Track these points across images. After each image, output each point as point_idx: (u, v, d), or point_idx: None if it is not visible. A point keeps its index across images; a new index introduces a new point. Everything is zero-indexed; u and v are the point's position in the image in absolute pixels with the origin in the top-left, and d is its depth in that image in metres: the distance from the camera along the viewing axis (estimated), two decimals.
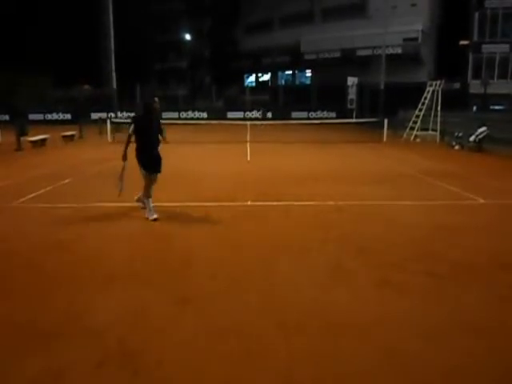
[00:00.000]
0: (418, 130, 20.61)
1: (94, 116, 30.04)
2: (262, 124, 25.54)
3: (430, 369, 2.88)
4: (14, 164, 12.75)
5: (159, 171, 6.52)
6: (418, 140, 20.13)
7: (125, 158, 6.42)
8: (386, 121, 20.56)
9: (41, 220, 6.56)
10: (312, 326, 3.43)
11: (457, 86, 34.30)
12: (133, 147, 6.34)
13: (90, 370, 2.85)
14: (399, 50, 37.44)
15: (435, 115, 19.91)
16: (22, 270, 4.60)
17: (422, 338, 3.26)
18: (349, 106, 33.63)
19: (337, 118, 30.14)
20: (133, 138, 6.37)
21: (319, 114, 34.96)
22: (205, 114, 35.82)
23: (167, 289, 4.12)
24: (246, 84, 52.68)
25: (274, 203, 7.46)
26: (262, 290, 4.09)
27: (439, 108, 19.68)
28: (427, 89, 20.84)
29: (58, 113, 34.57)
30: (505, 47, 33.69)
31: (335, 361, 2.97)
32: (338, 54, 41.90)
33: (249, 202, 7.59)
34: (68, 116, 33.83)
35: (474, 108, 30.70)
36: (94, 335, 3.28)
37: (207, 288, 4.14)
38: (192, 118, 34.98)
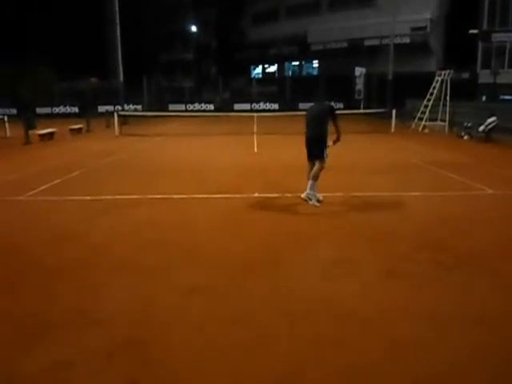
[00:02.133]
0: (426, 121, 20.39)
1: (101, 109, 30.12)
2: None
3: (436, 359, 2.89)
4: (23, 157, 12.86)
5: None
6: (426, 130, 19.93)
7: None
8: (393, 111, 20.38)
9: (49, 213, 6.63)
10: (318, 316, 3.45)
11: (466, 75, 33.79)
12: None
13: (100, 360, 2.89)
14: (407, 40, 36.95)
15: (444, 105, 19.68)
16: (31, 263, 4.65)
17: (428, 328, 3.26)
18: (356, 97, 33.36)
19: (344, 108, 29.92)
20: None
21: None
22: (211, 106, 35.77)
23: (175, 279, 4.16)
24: (252, 75, 52.44)
25: (281, 195, 7.46)
26: (269, 280, 4.11)
27: (448, 98, 19.44)
28: (436, 78, 20.56)
29: (65, 106, 34.72)
30: None
31: (340, 350, 2.99)
32: (345, 44, 41.44)
33: (256, 194, 7.59)
34: (75, 109, 33.94)
35: (484, 98, 30.32)
36: (103, 326, 3.32)
37: (214, 278, 4.16)
38: (199, 110, 34.94)
